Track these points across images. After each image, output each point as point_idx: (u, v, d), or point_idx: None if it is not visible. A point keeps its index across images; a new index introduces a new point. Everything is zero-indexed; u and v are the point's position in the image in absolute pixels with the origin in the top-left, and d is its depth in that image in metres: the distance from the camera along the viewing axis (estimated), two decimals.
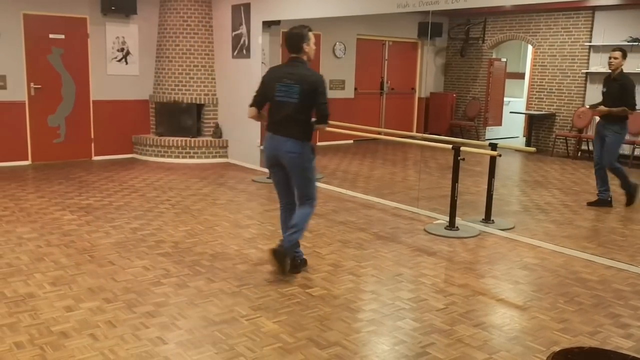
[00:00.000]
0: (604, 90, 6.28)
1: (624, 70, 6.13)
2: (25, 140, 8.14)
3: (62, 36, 8.20)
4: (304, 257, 4.36)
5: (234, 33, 8.49)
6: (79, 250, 4.60)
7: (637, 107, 6.15)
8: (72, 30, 8.28)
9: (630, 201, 6.38)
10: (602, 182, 6.38)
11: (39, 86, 8.11)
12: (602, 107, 6.20)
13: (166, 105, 8.97)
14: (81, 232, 5.07)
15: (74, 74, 8.38)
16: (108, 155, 8.85)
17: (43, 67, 8.12)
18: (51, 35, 8.12)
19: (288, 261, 4.09)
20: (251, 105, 4.16)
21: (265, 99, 4.10)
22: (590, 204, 6.44)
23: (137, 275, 4.08)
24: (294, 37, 4.04)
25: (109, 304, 3.59)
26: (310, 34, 4.07)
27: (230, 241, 4.93)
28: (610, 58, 6.12)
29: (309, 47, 4.05)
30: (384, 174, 8.30)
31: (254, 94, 4.16)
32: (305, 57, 4.05)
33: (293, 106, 3.95)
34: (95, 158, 8.74)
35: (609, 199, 6.37)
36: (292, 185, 4.17)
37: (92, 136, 8.68)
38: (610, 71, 6.21)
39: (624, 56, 6.05)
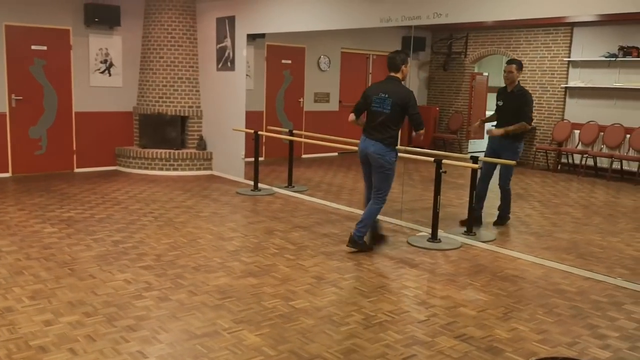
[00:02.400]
0: (500, 104, 5.93)
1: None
2: (6, 151, 8.06)
3: (45, 47, 8.16)
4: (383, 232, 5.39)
5: (218, 46, 8.52)
6: (59, 263, 4.56)
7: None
8: (54, 42, 8.25)
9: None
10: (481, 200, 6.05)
11: (20, 97, 8.05)
12: (496, 130, 5.83)
13: (150, 117, 8.95)
14: (62, 245, 5.03)
15: (56, 85, 8.34)
16: (90, 168, 8.79)
17: (24, 79, 8.07)
18: (33, 47, 8.08)
19: (363, 242, 5.04)
20: (352, 112, 5.11)
21: (364, 108, 5.03)
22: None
23: (118, 289, 4.05)
24: (394, 59, 4.93)
25: (89, 317, 3.57)
26: (409, 59, 5.01)
27: (213, 254, 4.92)
28: (505, 72, 5.84)
29: (406, 69, 4.96)
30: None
31: (356, 103, 5.11)
32: (400, 76, 4.93)
33: (385, 116, 4.84)
34: (77, 170, 8.68)
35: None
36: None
37: (74, 148, 8.62)
38: (504, 85, 5.91)
39: (519, 69, 5.82)
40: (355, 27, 6.78)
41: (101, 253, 4.84)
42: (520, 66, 5.86)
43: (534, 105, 6.00)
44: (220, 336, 3.37)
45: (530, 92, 5.90)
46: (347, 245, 5.06)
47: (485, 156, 5.96)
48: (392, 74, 4.94)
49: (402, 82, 4.94)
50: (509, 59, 6.39)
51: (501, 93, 5.99)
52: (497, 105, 6.01)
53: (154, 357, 3.09)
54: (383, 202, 4.99)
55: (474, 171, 5.55)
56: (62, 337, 3.29)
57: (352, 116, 5.11)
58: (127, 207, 6.48)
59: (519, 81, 5.85)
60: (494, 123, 6.08)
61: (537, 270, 4.75)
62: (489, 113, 12.23)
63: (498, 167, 5.97)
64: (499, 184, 6.00)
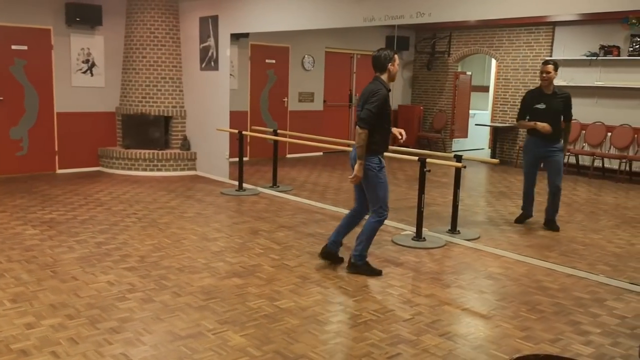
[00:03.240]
0: (541, 107, 5.75)
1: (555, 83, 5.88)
2: None
3: (25, 47, 8.06)
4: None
5: (201, 45, 8.47)
6: (41, 265, 4.51)
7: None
8: (35, 42, 8.14)
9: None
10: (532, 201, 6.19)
11: (1, 98, 7.94)
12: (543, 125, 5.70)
13: (133, 118, 8.88)
14: (43, 247, 4.97)
15: (37, 85, 8.24)
16: (73, 169, 8.69)
17: (5, 79, 7.95)
18: (14, 47, 7.97)
19: (364, 264, 4.53)
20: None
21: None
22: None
23: (101, 291, 4.02)
24: (378, 58, 4.43)
25: (72, 320, 3.53)
26: (395, 55, 4.49)
27: (197, 254, 4.89)
28: (542, 73, 5.74)
29: (394, 67, 4.44)
30: (353, 186, 8.33)
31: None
32: (387, 76, 4.43)
33: (358, 118, 4.38)
34: (59, 171, 8.58)
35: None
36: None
37: (56, 149, 8.52)
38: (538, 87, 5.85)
39: (556, 69, 5.75)
40: (339, 26, 6.79)
41: (84, 255, 4.79)
42: (557, 66, 5.77)
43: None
44: (204, 337, 3.35)
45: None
46: (347, 271, 4.53)
47: (527, 161, 6.06)
48: (377, 74, 4.45)
49: (389, 82, 4.44)
50: (544, 59, 6.12)
51: (538, 96, 5.82)
52: (534, 109, 5.80)
53: (137, 359, 3.06)
54: (379, 215, 4.44)
55: (457, 170, 5.58)
56: (44, 340, 3.25)
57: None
58: (110, 208, 6.42)
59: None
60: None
61: (521, 268, 4.79)
62: (472, 112, 12.40)
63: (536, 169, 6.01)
64: (556, 184, 5.87)
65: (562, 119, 5.84)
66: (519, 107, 6.12)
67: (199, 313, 3.68)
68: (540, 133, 5.75)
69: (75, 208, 6.39)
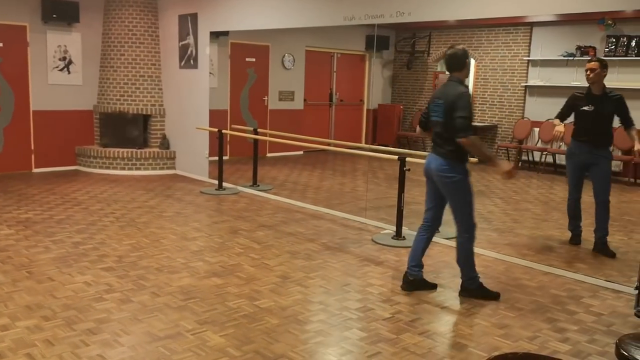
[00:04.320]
0: (589, 109, 5.03)
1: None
2: None
3: (0, 44, 7.91)
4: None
5: (181, 43, 8.40)
6: (16, 266, 4.43)
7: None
8: (10, 38, 7.99)
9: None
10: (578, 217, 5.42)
11: None
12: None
13: (111, 116, 8.77)
14: (19, 247, 4.88)
15: (13, 83, 8.09)
16: (50, 167, 8.56)
17: None
18: None
19: (478, 286, 4.11)
20: (418, 125, 4.26)
21: (426, 118, 4.19)
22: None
23: (77, 291, 3.96)
24: (455, 55, 4.02)
25: (48, 321, 3.47)
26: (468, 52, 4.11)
27: (176, 254, 4.85)
28: (587, 70, 5.00)
29: (467, 67, 4.05)
30: (333, 184, 8.36)
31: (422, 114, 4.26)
32: (463, 76, 4.03)
33: (440, 125, 3.97)
34: (35, 170, 8.44)
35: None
36: (440, 204, 4.17)
37: (33, 147, 8.38)
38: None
39: (604, 67, 4.97)
40: (319, 25, 6.78)
41: (60, 255, 4.72)
42: (603, 64, 4.97)
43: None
44: (183, 338, 3.32)
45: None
46: (460, 295, 4.14)
47: (571, 168, 5.33)
48: (453, 73, 4.02)
49: (464, 84, 4.04)
50: (589, 58, 5.36)
51: (586, 97, 5.08)
52: (581, 111, 5.10)
53: None
54: (466, 232, 4.02)
55: None
56: (19, 342, 3.20)
57: (417, 128, 4.40)
58: (87, 208, 6.33)
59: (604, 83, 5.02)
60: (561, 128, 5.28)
61: (499, 266, 4.83)
62: None
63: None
64: (600, 198, 5.11)
65: (618, 124, 5.10)
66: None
67: (177, 313, 3.65)
68: (586, 137, 5.09)
69: (51, 207, 6.29)
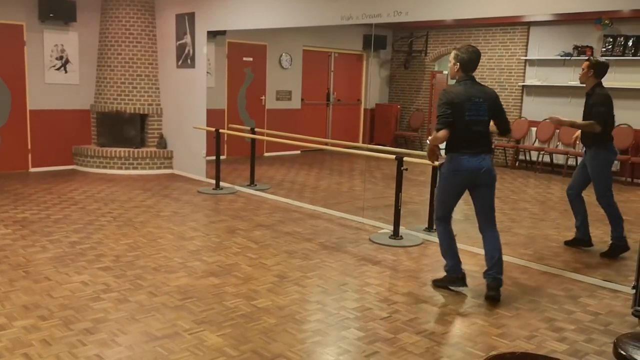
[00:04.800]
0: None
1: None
2: None
3: None
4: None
5: (178, 42, 8.39)
6: (13, 265, 4.42)
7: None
8: (7, 38, 7.97)
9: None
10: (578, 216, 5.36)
11: None
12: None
13: (108, 115, 8.76)
14: (16, 247, 4.87)
15: (10, 82, 8.07)
16: (46, 167, 8.54)
17: None
18: None
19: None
20: (442, 128, 3.95)
21: (453, 119, 3.96)
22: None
23: (75, 291, 3.95)
24: (479, 56, 4.16)
25: (45, 321, 3.46)
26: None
27: (173, 254, 4.84)
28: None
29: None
30: (331, 184, 8.36)
31: (442, 116, 3.95)
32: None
33: (483, 124, 4.05)
34: (32, 169, 8.42)
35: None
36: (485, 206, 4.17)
37: (29, 147, 8.36)
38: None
39: (592, 67, 5.04)
40: (317, 24, 6.77)
41: (57, 254, 4.71)
42: (593, 63, 5.03)
43: (604, 107, 4.99)
44: (180, 337, 3.32)
45: (608, 94, 5.01)
46: (489, 296, 4.03)
47: (579, 166, 5.41)
48: (470, 73, 4.12)
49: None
50: (586, 58, 5.36)
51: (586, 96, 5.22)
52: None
53: None
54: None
55: (434, 168, 5.60)
56: (16, 341, 3.19)
57: (444, 132, 3.96)
58: (84, 207, 6.32)
59: (597, 82, 5.05)
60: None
61: None
62: None
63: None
64: (597, 198, 5.10)
65: (618, 122, 5.11)
66: None
67: (175, 313, 3.65)
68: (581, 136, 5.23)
69: (48, 207, 6.28)
